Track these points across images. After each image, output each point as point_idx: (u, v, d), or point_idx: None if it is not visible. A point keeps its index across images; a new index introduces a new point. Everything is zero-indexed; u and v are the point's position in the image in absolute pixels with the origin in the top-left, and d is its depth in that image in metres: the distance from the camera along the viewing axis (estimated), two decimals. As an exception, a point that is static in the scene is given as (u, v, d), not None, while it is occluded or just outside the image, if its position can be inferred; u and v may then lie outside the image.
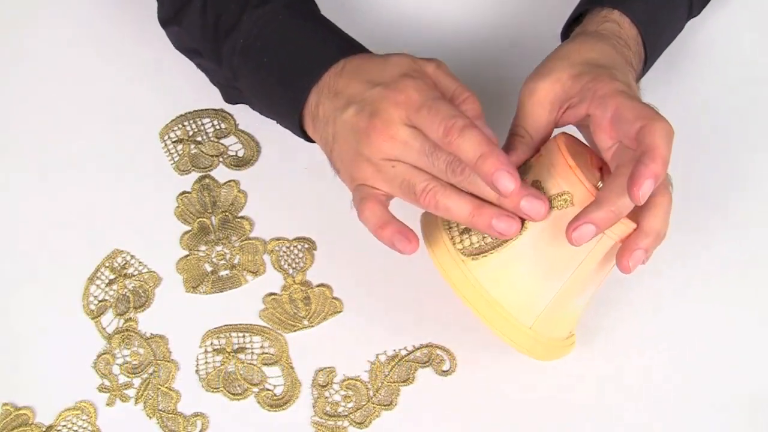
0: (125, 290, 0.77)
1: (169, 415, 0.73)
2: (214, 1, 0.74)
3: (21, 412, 0.73)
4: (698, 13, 0.82)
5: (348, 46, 0.71)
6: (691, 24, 0.83)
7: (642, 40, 0.74)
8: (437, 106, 0.63)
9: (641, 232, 0.65)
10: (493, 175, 0.60)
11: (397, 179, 0.65)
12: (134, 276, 0.78)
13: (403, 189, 0.65)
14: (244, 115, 0.83)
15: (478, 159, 0.60)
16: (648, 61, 0.76)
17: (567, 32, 0.78)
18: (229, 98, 0.80)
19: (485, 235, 0.65)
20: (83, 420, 0.72)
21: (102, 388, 0.74)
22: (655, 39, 0.76)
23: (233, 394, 0.73)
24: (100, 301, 0.77)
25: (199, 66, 0.80)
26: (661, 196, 0.65)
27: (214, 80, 0.80)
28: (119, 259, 0.78)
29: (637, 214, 0.65)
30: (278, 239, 0.79)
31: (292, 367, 0.74)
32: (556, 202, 0.64)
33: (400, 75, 0.65)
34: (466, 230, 0.65)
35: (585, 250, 0.65)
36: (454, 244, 0.65)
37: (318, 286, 0.77)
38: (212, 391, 0.73)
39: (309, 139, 0.72)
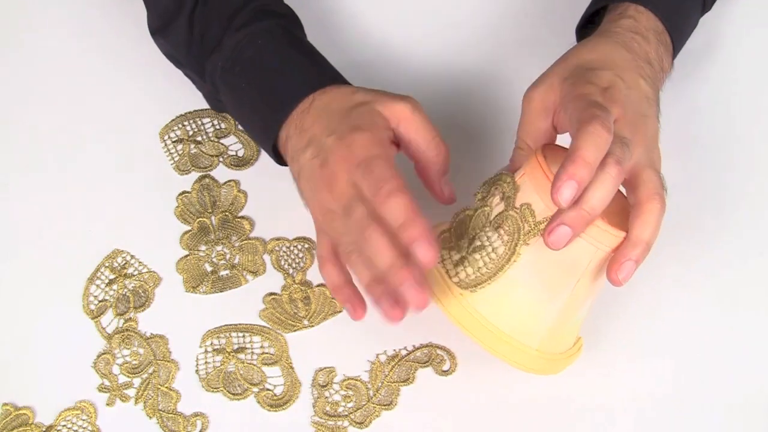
0: (125, 290, 0.77)
1: (169, 415, 0.73)
2: (200, 20, 0.75)
3: (21, 412, 0.73)
4: (710, 8, 0.81)
5: (322, 78, 0.71)
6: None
7: (667, 30, 0.73)
8: (372, 166, 0.63)
9: (629, 242, 0.65)
10: (412, 244, 0.60)
11: (330, 233, 0.66)
12: (134, 276, 0.78)
13: (334, 240, 0.67)
14: (244, 115, 0.84)
15: (400, 226, 0.61)
16: (675, 51, 0.75)
17: (582, 31, 0.77)
18: (214, 107, 0.81)
19: (479, 266, 0.64)
20: (83, 420, 0.72)
21: (102, 388, 0.74)
22: (680, 28, 0.76)
23: (233, 394, 0.73)
24: (100, 301, 0.77)
25: (185, 74, 0.80)
26: (649, 202, 0.65)
27: (200, 90, 0.80)
28: (119, 259, 0.78)
29: (626, 221, 0.65)
30: (278, 239, 0.79)
31: (292, 367, 0.74)
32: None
33: (354, 127, 0.66)
34: (460, 262, 0.65)
35: (581, 267, 0.64)
36: (450, 277, 0.65)
37: (318, 285, 0.77)
38: (212, 391, 0.73)
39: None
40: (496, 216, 0.65)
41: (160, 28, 0.78)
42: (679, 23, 0.75)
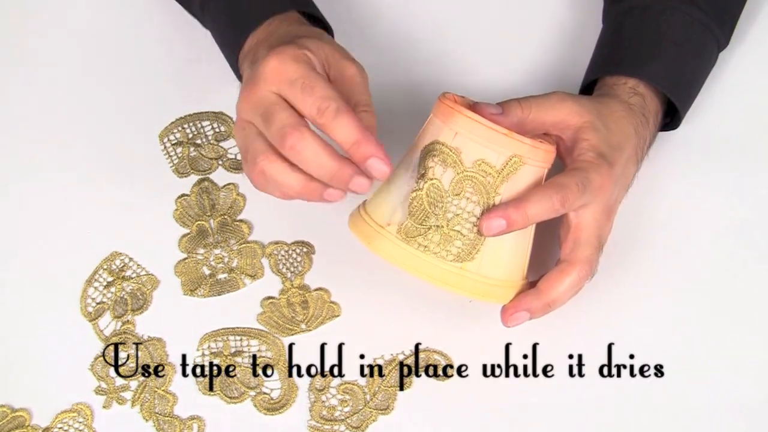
0: (123, 293, 0.77)
1: (166, 418, 0.72)
2: None
3: (18, 414, 0.73)
4: (727, 44, 0.80)
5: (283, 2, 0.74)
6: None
7: (669, 100, 0.76)
8: (313, 83, 0.62)
9: (537, 291, 0.69)
10: (366, 162, 0.61)
11: (240, 141, 0.66)
12: (132, 278, 0.78)
13: (242, 153, 0.66)
14: (244, 118, 0.84)
15: (352, 144, 0.61)
16: (682, 111, 0.77)
17: (588, 81, 0.79)
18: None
19: (464, 234, 0.66)
20: (79, 422, 0.72)
21: (99, 391, 0.74)
22: (687, 92, 0.77)
23: (230, 398, 0.73)
24: (98, 304, 0.77)
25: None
26: (573, 265, 0.69)
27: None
28: (117, 262, 0.78)
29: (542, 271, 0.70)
30: (277, 243, 0.79)
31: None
32: (511, 168, 0.66)
33: (291, 42, 0.65)
34: (443, 240, 0.66)
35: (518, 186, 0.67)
36: (444, 258, 0.66)
37: (316, 290, 0.77)
38: (209, 395, 0.73)
39: None
40: (452, 183, 0.66)
41: None
42: (684, 87, 0.77)
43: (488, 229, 0.65)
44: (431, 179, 0.66)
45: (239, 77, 0.75)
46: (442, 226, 0.66)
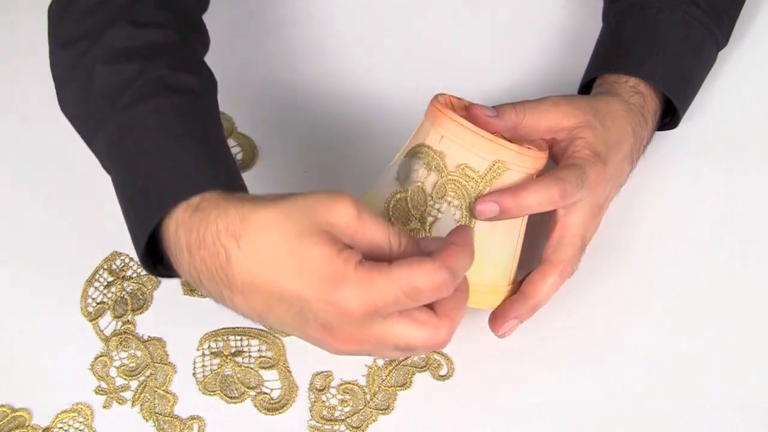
0: (123, 292, 0.77)
1: (166, 418, 0.73)
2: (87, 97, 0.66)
3: (18, 413, 0.73)
4: (726, 43, 0.81)
5: (209, 179, 0.62)
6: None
7: (668, 99, 0.76)
8: (381, 307, 0.54)
9: (522, 295, 0.69)
10: None
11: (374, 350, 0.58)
12: (133, 278, 0.78)
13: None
14: (243, 118, 0.84)
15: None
16: (681, 111, 0.77)
17: (587, 79, 0.79)
18: None
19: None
20: (80, 422, 0.72)
21: (99, 391, 0.74)
22: (686, 92, 0.77)
23: (230, 398, 0.73)
24: (98, 303, 0.77)
25: None
26: (554, 267, 0.69)
27: None
28: (118, 262, 0.78)
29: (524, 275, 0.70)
30: (276, 243, 0.79)
31: (289, 371, 0.74)
32: (494, 173, 0.65)
33: (330, 284, 0.54)
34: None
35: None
36: None
37: (316, 289, 0.77)
38: (209, 395, 0.73)
39: (159, 273, 0.64)
40: (436, 186, 0.66)
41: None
42: (682, 87, 0.77)
43: (480, 213, 0.65)
44: (415, 182, 0.66)
45: (139, 252, 0.62)
46: (424, 230, 0.66)
